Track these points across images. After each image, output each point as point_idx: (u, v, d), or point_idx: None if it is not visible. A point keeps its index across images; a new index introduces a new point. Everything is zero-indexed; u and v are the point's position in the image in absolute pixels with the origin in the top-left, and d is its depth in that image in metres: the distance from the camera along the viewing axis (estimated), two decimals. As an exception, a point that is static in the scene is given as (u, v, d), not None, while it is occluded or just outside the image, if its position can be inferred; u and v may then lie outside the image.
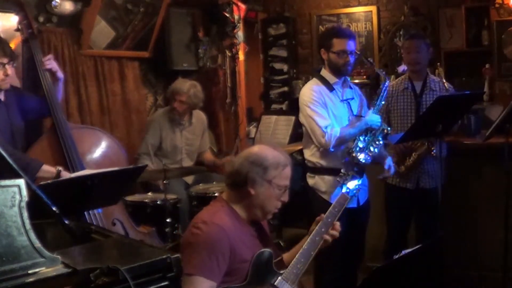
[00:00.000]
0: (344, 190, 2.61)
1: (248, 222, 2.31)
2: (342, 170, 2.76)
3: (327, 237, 2.34)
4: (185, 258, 1.86)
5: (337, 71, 3.27)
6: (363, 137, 3.12)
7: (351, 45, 3.22)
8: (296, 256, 2.29)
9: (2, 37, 3.12)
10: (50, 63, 3.16)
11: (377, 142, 3.14)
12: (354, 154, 3.01)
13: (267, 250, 2.24)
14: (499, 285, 3.58)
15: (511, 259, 3.43)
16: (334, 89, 3.27)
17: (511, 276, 3.50)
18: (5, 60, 2.91)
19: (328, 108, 3.22)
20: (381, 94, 3.27)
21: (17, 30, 3.19)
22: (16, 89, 3.19)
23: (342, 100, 3.28)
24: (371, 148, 3.10)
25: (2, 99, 3.03)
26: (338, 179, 2.73)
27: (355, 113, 3.32)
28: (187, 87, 4.42)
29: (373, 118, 3.17)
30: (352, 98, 3.35)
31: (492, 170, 3.92)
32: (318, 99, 3.21)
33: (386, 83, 3.28)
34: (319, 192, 3.25)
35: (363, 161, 3.03)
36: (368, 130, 3.15)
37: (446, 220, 3.37)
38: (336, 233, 2.37)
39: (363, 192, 3.32)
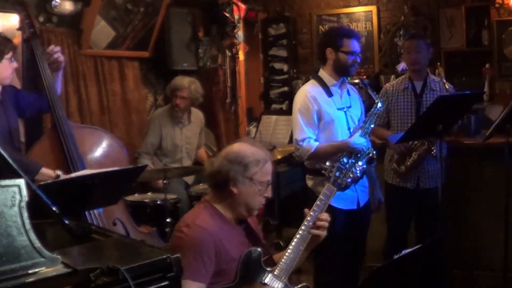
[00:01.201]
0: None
1: (234, 221, 2.30)
2: (327, 163, 2.75)
3: (315, 231, 2.32)
4: None
5: (343, 71, 3.22)
6: (346, 159, 2.82)
7: (358, 46, 3.22)
8: (286, 253, 2.29)
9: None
10: (57, 51, 3.14)
11: (358, 167, 2.86)
12: (330, 174, 2.66)
13: (256, 249, 2.23)
14: (499, 285, 3.58)
15: (511, 259, 3.43)
16: (332, 94, 3.22)
17: (511, 276, 3.50)
18: (13, 56, 2.94)
19: (323, 111, 3.16)
20: (372, 117, 3.15)
21: (19, 29, 3.19)
22: (12, 88, 3.18)
23: (339, 109, 3.22)
24: (351, 173, 2.76)
25: None
26: (323, 171, 2.69)
27: (355, 122, 3.27)
28: (187, 82, 4.47)
29: (357, 140, 3.02)
30: (350, 106, 3.28)
31: (492, 170, 3.92)
32: (310, 106, 3.14)
33: (379, 106, 3.15)
34: (318, 193, 3.18)
35: (339, 180, 2.67)
36: (352, 153, 2.97)
37: (446, 220, 3.37)
38: (323, 223, 2.34)
39: (363, 194, 3.31)
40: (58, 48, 3.16)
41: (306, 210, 2.39)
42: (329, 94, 3.21)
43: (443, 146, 3.30)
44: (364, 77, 5.61)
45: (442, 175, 3.26)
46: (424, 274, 2.40)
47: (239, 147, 2.28)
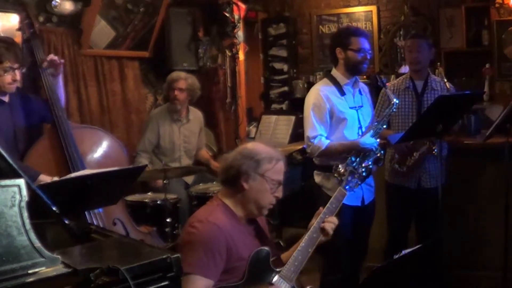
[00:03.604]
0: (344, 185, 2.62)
1: (244, 220, 2.32)
2: (340, 167, 2.76)
3: (325, 227, 2.34)
4: (181, 257, 1.87)
5: (354, 69, 3.26)
6: (354, 157, 2.84)
7: (367, 43, 3.26)
8: (294, 254, 2.30)
9: (15, 42, 3.12)
10: (51, 56, 3.14)
11: (364, 165, 2.85)
12: (343, 178, 2.69)
13: (264, 248, 2.25)
14: (499, 285, 3.58)
15: (511, 259, 3.43)
16: (345, 93, 3.26)
17: (511, 276, 3.50)
18: (15, 65, 2.92)
19: (336, 110, 3.20)
20: (385, 118, 3.19)
21: (19, 29, 3.19)
22: (20, 91, 3.19)
23: (351, 107, 3.26)
24: (359, 171, 2.77)
25: (6, 100, 3.03)
26: (335, 174, 2.73)
27: (367, 121, 3.30)
28: (184, 75, 4.51)
29: (367, 141, 3.08)
30: (362, 106, 3.33)
31: (492, 170, 3.92)
32: (322, 104, 3.19)
33: (394, 106, 3.18)
34: (325, 189, 3.25)
35: (350, 184, 2.72)
36: (361, 152, 3.01)
37: (446, 220, 3.37)
38: (330, 225, 2.36)
39: (368, 192, 3.34)
40: (51, 55, 3.17)
41: (321, 208, 2.42)
42: (342, 93, 3.26)
43: (443, 146, 3.31)
44: (365, 77, 5.62)
45: (442, 175, 3.26)
46: (424, 274, 2.41)
47: (253, 145, 2.33)
